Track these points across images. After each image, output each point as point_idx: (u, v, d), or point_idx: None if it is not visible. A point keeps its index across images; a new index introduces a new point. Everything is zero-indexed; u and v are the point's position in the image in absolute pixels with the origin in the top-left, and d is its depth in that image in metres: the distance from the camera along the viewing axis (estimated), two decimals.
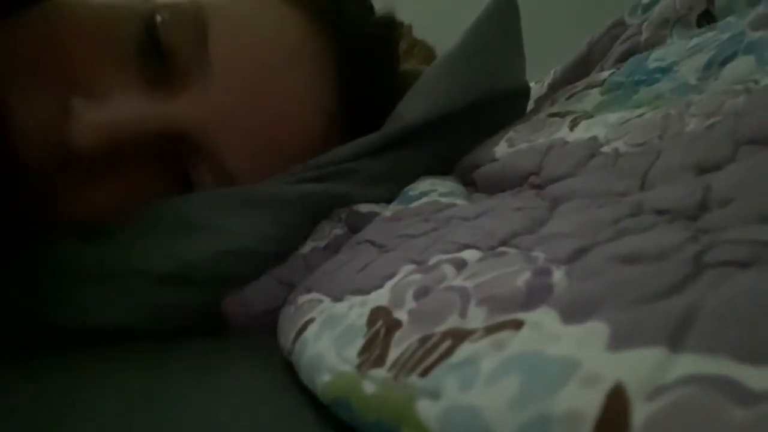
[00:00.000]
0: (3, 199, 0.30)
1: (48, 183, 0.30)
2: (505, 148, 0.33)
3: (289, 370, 0.22)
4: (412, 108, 0.38)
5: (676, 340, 0.11)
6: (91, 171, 0.31)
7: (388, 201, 0.34)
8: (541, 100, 0.46)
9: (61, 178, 0.30)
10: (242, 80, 0.33)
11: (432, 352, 0.16)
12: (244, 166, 0.33)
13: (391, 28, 0.43)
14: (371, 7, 0.42)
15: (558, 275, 0.16)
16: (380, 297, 0.20)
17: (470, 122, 0.38)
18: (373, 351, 0.18)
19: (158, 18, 0.32)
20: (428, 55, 0.47)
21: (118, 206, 0.31)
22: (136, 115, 0.30)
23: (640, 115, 0.27)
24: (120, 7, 0.33)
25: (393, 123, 0.37)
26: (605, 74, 0.39)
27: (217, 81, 0.32)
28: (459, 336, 0.15)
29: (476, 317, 0.16)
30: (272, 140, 0.34)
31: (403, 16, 0.45)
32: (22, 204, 0.31)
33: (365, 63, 0.38)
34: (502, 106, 0.39)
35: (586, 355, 0.12)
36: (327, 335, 0.20)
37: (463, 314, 0.16)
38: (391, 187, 0.35)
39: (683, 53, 0.34)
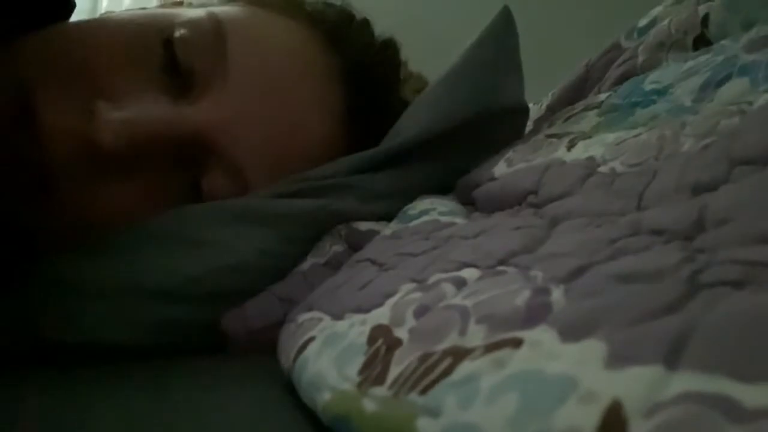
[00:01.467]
0: (20, 204, 0.31)
1: (69, 185, 0.31)
2: (504, 168, 0.34)
3: (289, 388, 0.22)
4: (411, 124, 0.38)
5: (672, 358, 0.11)
6: (112, 172, 0.32)
7: (387, 217, 0.34)
8: (539, 122, 0.46)
9: (83, 181, 0.31)
10: (258, 90, 0.34)
11: (432, 371, 0.16)
12: (257, 173, 0.35)
13: (393, 48, 0.44)
14: (373, 33, 0.43)
15: (557, 294, 0.16)
16: (381, 315, 0.21)
17: (469, 140, 0.38)
18: (374, 369, 0.18)
19: (177, 34, 0.33)
20: (422, 87, 0.48)
21: (134, 212, 0.32)
22: (157, 115, 0.32)
23: (636, 136, 0.28)
24: (142, 23, 0.35)
25: (392, 139, 0.38)
26: (602, 96, 0.39)
27: (234, 90, 0.34)
28: (459, 354, 0.16)
29: (476, 335, 0.16)
30: (285, 145, 0.36)
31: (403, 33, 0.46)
32: (41, 205, 0.31)
33: (370, 78, 0.40)
34: (501, 123, 0.40)
35: (584, 373, 0.12)
36: (327, 354, 0.20)
37: (462, 332, 0.17)
38: (389, 204, 0.35)
39: (679, 76, 0.34)
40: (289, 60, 0.36)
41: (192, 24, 0.34)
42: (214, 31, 0.34)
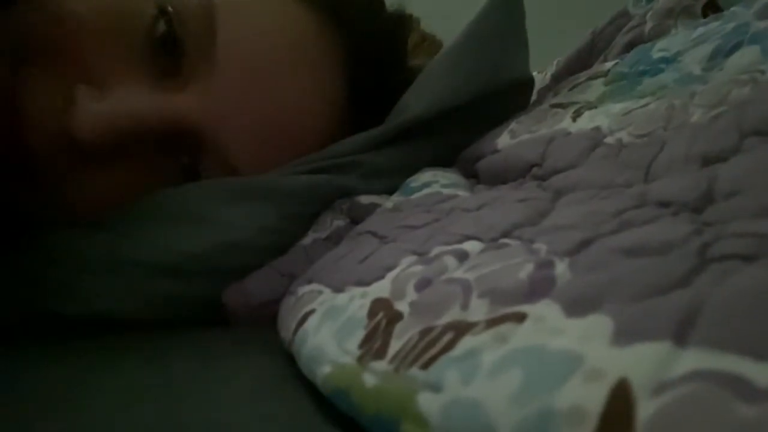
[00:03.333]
0: (9, 187, 0.30)
1: (52, 171, 0.30)
2: (508, 140, 0.33)
3: (289, 361, 0.22)
4: (415, 101, 0.37)
5: (681, 335, 0.11)
6: (95, 161, 0.31)
7: (390, 193, 0.34)
8: (543, 91, 0.45)
9: (65, 168, 0.30)
10: (248, 75, 0.33)
11: (433, 345, 0.15)
12: (248, 160, 0.33)
13: (400, 24, 0.42)
14: (382, 2, 0.41)
15: (561, 268, 0.16)
16: (381, 288, 0.20)
17: (474, 114, 0.37)
18: (374, 343, 0.17)
19: (169, 8, 0.31)
20: (437, 49, 0.46)
21: (122, 198, 0.31)
22: (139, 107, 0.30)
23: (644, 106, 0.27)
24: None
25: (397, 116, 0.37)
26: (609, 65, 0.38)
27: (223, 75, 0.32)
28: (460, 329, 0.15)
29: (478, 310, 0.16)
30: (277, 134, 0.34)
31: (412, 7, 0.45)
32: (27, 193, 0.31)
33: (373, 60, 0.38)
34: (506, 97, 0.39)
35: (589, 349, 0.12)
36: (327, 327, 0.20)
37: (464, 307, 0.16)
38: (394, 180, 0.35)
39: (688, 43, 0.33)
40: (284, 44, 0.34)
41: (182, 1, 0.32)
42: (203, 6, 0.32)
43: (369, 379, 0.16)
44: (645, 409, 0.10)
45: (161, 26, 0.31)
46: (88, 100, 0.29)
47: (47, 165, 0.30)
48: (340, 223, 0.32)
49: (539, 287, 0.15)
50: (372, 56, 0.38)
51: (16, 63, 0.30)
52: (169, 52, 0.32)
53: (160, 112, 0.31)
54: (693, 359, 0.10)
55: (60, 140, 0.29)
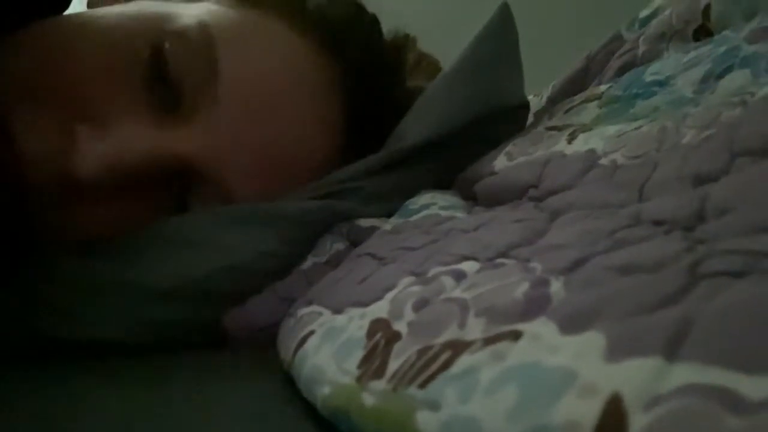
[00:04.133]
0: (4, 218, 0.30)
1: (47, 205, 0.30)
2: (504, 162, 0.34)
3: (289, 382, 0.22)
4: (413, 128, 0.38)
5: (671, 350, 0.11)
6: (91, 197, 0.31)
7: (390, 216, 0.34)
8: (539, 114, 0.46)
9: (62, 201, 0.30)
10: (249, 111, 0.33)
11: (431, 364, 0.16)
12: (248, 194, 0.33)
13: (399, 52, 0.43)
14: (380, 31, 0.42)
15: (556, 286, 0.16)
16: (380, 309, 0.20)
17: (472, 139, 0.38)
18: (373, 363, 0.18)
19: (166, 45, 0.31)
20: (435, 69, 0.47)
21: (117, 229, 0.31)
22: (141, 147, 0.30)
23: (637, 128, 0.28)
24: (128, 29, 0.32)
25: (395, 142, 0.38)
26: (603, 88, 0.39)
27: (224, 112, 0.32)
28: (458, 347, 0.16)
29: (475, 328, 0.16)
30: (277, 168, 0.34)
31: (408, 24, 0.45)
32: (23, 223, 0.31)
33: (372, 89, 0.38)
34: (503, 121, 0.39)
35: (583, 365, 0.12)
36: (327, 347, 0.20)
37: (462, 325, 0.16)
38: (392, 203, 0.35)
39: (680, 67, 0.34)
40: (285, 76, 0.34)
41: (181, 35, 0.32)
42: (204, 43, 0.32)
43: (368, 399, 0.16)
44: (637, 422, 0.10)
45: (156, 69, 0.31)
46: (89, 140, 0.29)
47: (41, 197, 0.30)
48: (339, 246, 0.32)
49: (535, 305, 0.16)
50: (371, 85, 0.38)
51: (11, 100, 0.30)
52: (167, 91, 0.31)
53: (161, 150, 0.31)
54: (684, 374, 0.11)
55: (56, 176, 0.29)
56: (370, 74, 0.38)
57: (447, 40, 0.46)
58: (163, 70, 0.31)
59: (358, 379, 0.17)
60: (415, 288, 0.20)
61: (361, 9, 0.41)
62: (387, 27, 0.42)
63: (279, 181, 0.34)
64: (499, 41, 0.40)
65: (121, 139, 0.30)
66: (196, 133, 0.31)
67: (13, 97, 0.30)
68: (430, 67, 0.47)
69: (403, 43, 0.44)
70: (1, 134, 0.29)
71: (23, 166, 0.29)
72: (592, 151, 0.28)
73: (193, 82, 0.31)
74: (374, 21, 0.41)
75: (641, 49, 0.44)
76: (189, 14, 0.34)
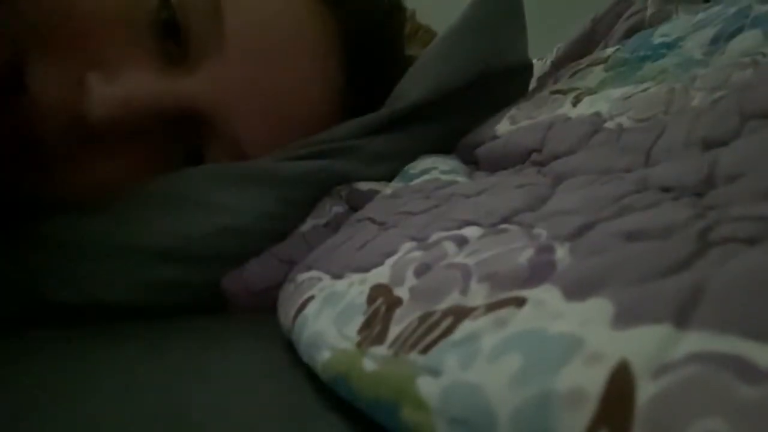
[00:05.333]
0: (14, 168, 0.30)
1: (59, 155, 0.30)
2: (507, 126, 0.33)
3: (289, 348, 0.22)
4: (413, 86, 0.37)
5: (682, 317, 0.11)
6: (102, 145, 0.31)
7: (390, 179, 0.34)
8: (544, 78, 0.45)
9: (73, 151, 0.31)
10: (254, 60, 0.33)
11: (433, 330, 0.15)
12: (256, 142, 0.34)
13: (396, 11, 0.42)
14: None
15: (561, 252, 0.16)
16: (380, 274, 0.20)
17: (472, 100, 0.37)
18: (374, 328, 0.17)
19: None
20: (431, 39, 0.46)
21: (126, 181, 0.32)
22: (151, 90, 0.31)
23: (644, 90, 0.27)
24: None
25: (395, 101, 0.37)
26: (609, 51, 0.38)
27: (230, 58, 0.32)
28: (460, 313, 0.15)
29: (478, 294, 0.16)
30: (284, 116, 0.35)
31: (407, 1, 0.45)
32: (33, 175, 0.31)
33: (372, 43, 0.38)
34: (504, 82, 0.39)
35: (589, 332, 0.12)
36: (327, 313, 0.20)
37: (464, 291, 0.16)
38: (392, 166, 0.35)
39: (689, 28, 0.33)
40: (288, 27, 0.35)
41: None
42: None
43: (368, 364, 0.16)
44: (645, 390, 0.10)
45: (165, 15, 0.32)
46: (100, 84, 0.30)
47: (54, 147, 0.30)
48: (339, 209, 0.32)
49: (539, 272, 0.15)
50: (369, 42, 0.38)
51: (21, 48, 0.30)
52: (175, 39, 0.32)
53: (171, 94, 0.31)
54: (694, 341, 0.10)
55: (68, 123, 0.30)
56: (368, 30, 0.38)
57: (446, 14, 0.45)
58: (171, 18, 0.32)
59: (359, 345, 0.17)
60: (417, 253, 0.20)
61: None
62: None
63: (286, 132, 0.35)
64: (502, 0, 0.39)
65: (130, 84, 0.30)
66: (202, 78, 0.32)
67: (26, 46, 0.30)
68: (426, 36, 0.47)
69: (401, 5, 0.43)
70: (9, 82, 0.29)
71: (34, 113, 0.29)
72: (597, 114, 0.28)
73: (199, 30, 0.32)
74: None
75: (649, 11, 0.43)
76: None
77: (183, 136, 0.33)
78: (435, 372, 0.14)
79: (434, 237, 0.21)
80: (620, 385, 0.10)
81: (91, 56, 0.30)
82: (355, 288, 0.20)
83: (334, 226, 0.31)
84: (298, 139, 0.35)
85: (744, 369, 0.09)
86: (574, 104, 0.30)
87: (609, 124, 0.26)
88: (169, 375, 0.22)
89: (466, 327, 0.15)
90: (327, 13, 0.37)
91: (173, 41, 0.32)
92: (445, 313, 0.16)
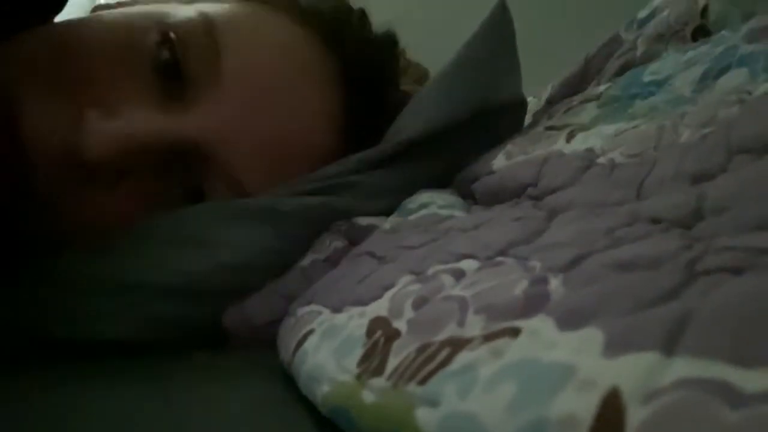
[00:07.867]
0: (10, 205, 0.30)
1: (53, 191, 0.30)
2: (503, 161, 0.34)
3: (289, 382, 0.22)
4: (411, 122, 0.38)
5: (669, 344, 0.11)
6: (98, 182, 0.31)
7: (388, 213, 0.34)
8: (538, 115, 0.46)
9: (70, 188, 0.31)
10: (252, 94, 0.33)
11: (431, 361, 0.16)
12: (255, 179, 0.34)
13: (392, 46, 0.43)
14: (371, 26, 0.42)
15: (555, 283, 0.16)
16: (379, 307, 0.20)
17: (468, 135, 0.38)
18: (373, 361, 0.18)
19: (172, 35, 0.32)
20: (421, 76, 0.48)
21: (122, 220, 0.31)
22: (149, 127, 0.31)
23: (635, 127, 0.28)
24: (135, 21, 0.33)
25: (392, 138, 0.38)
26: (602, 88, 0.39)
27: (228, 95, 0.33)
28: (457, 344, 0.16)
29: (474, 325, 0.16)
30: (284, 153, 0.35)
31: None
32: (29, 212, 0.31)
33: (371, 81, 0.39)
34: (500, 118, 0.40)
35: (582, 360, 0.12)
36: (326, 346, 0.20)
37: (461, 323, 0.17)
38: (390, 201, 0.35)
39: (678, 67, 0.34)
40: (284, 62, 0.35)
41: (184, 25, 0.33)
42: (205, 32, 0.33)
43: (368, 396, 0.16)
44: (635, 416, 0.10)
45: (164, 53, 0.32)
46: (98, 120, 0.30)
47: (48, 184, 0.30)
48: (338, 244, 0.32)
49: (534, 303, 0.16)
50: (366, 77, 0.39)
51: (21, 86, 0.30)
52: (174, 78, 0.32)
53: (168, 131, 0.31)
54: (681, 368, 0.11)
55: (64, 159, 0.30)
56: (365, 66, 0.39)
57: (440, 43, 0.46)
58: (170, 56, 0.32)
59: (358, 377, 0.17)
60: (415, 286, 0.20)
61: (349, 5, 0.42)
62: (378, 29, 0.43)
63: (284, 168, 0.35)
64: (497, 38, 0.40)
65: (128, 121, 0.30)
66: (199, 113, 0.32)
67: (22, 83, 0.30)
68: (417, 72, 0.48)
69: (394, 39, 0.44)
70: (9, 119, 0.29)
71: (30, 148, 0.29)
72: (590, 150, 0.28)
73: (198, 67, 0.32)
74: (364, 16, 0.42)
75: (640, 49, 0.45)
76: (191, 8, 0.35)
77: (182, 173, 0.33)
78: (433, 402, 0.14)
79: (432, 270, 0.21)
80: (611, 411, 0.11)
81: (90, 93, 0.31)
82: (355, 321, 0.21)
83: (333, 261, 0.32)
84: (299, 175, 0.35)
85: (729, 394, 0.10)
86: (568, 140, 0.31)
87: (602, 160, 0.27)
88: (168, 409, 0.22)
89: (463, 357, 0.15)
90: (325, 46, 0.37)
91: (171, 80, 0.32)
92: (443, 344, 0.16)
